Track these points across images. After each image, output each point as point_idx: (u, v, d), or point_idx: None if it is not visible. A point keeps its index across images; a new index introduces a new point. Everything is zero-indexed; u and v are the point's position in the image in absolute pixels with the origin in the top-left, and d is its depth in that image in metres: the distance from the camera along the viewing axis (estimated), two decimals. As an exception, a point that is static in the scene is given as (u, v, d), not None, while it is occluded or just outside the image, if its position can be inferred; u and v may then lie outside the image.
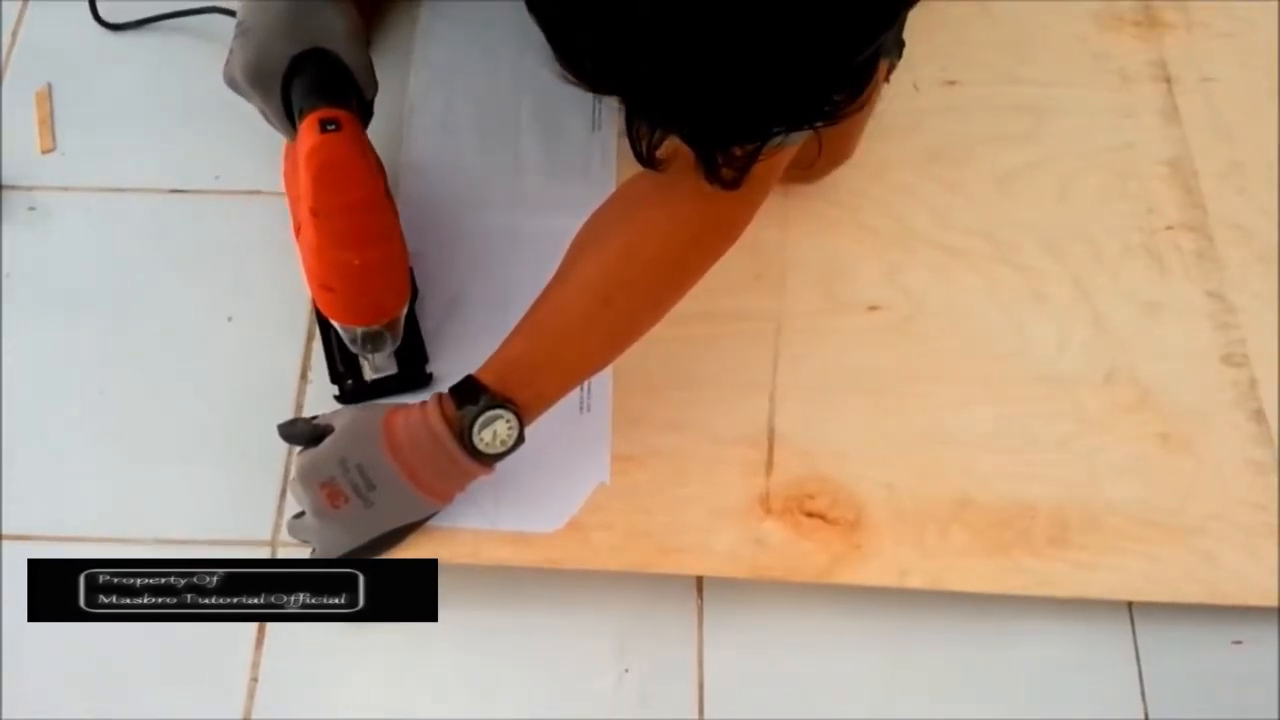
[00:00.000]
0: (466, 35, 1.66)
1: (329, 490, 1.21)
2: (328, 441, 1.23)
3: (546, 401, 1.25)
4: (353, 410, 1.26)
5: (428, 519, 1.28)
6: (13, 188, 1.55)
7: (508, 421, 1.19)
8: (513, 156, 1.57)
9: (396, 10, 1.70)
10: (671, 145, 1.03)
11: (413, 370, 1.40)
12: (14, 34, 1.67)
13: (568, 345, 1.23)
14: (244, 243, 1.51)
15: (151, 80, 1.64)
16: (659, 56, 0.82)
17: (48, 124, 1.59)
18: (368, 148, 1.23)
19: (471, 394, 1.19)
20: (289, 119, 1.25)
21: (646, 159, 1.02)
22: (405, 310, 1.33)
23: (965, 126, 1.63)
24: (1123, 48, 1.71)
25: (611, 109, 1.60)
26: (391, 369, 1.39)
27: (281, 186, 1.43)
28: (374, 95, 1.30)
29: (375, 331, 1.30)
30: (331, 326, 1.36)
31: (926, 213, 1.56)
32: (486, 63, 1.64)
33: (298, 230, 1.33)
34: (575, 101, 1.60)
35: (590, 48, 0.86)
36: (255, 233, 1.49)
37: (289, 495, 1.30)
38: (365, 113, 1.28)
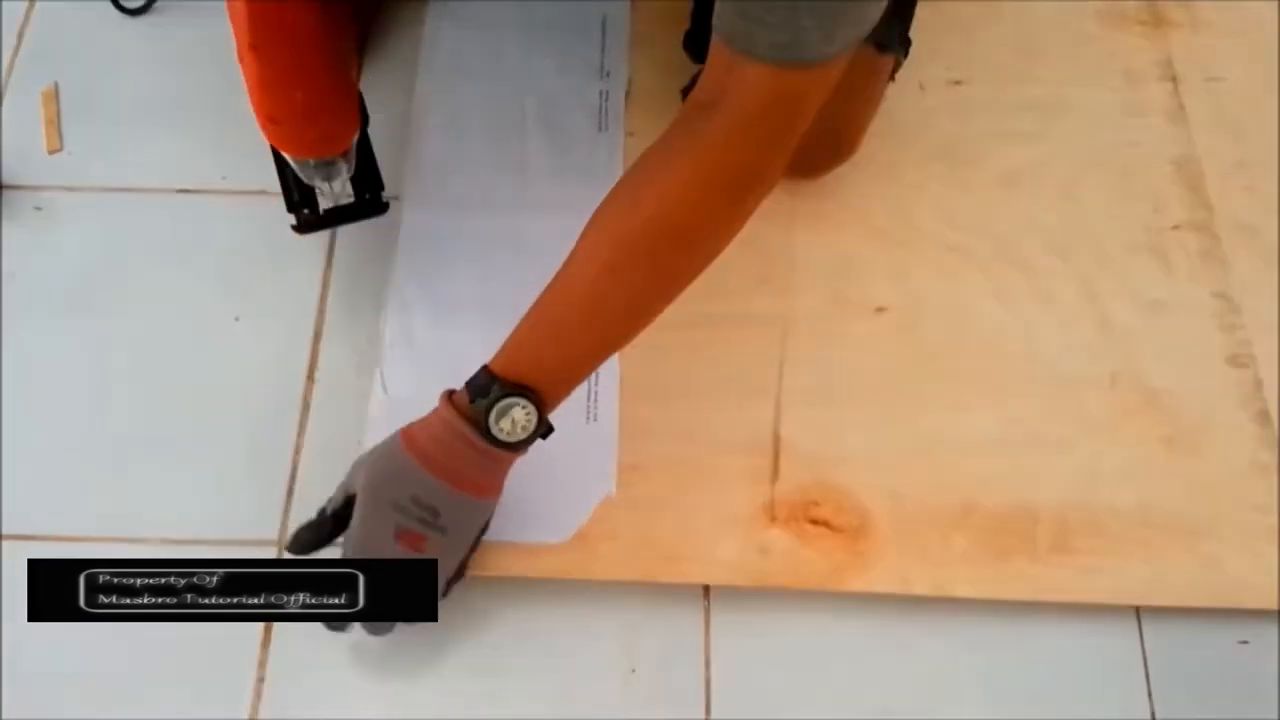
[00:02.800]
0: (472, 38, 1.67)
1: (405, 538, 1.20)
2: (365, 502, 1.21)
3: (562, 382, 1.20)
4: (363, 465, 1.23)
5: (490, 517, 1.27)
6: (19, 187, 1.56)
7: (524, 408, 1.17)
8: (519, 158, 1.58)
9: (403, 12, 1.71)
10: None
11: (369, 196, 1.39)
12: (20, 33, 1.68)
13: (574, 321, 1.18)
14: (251, 243, 1.52)
15: (158, 80, 1.65)
16: None
17: (54, 124, 1.60)
18: None
19: (483, 387, 1.16)
20: None
21: None
22: (356, 139, 1.30)
23: (972, 126, 1.63)
24: (1128, 47, 1.71)
25: (618, 109, 1.61)
26: (348, 197, 1.37)
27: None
28: None
29: (327, 162, 1.28)
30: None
31: (933, 212, 1.56)
32: (493, 63, 1.65)
33: (241, 57, 1.30)
34: (581, 102, 1.61)
35: None
36: (262, 233, 1.49)
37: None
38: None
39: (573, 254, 1.18)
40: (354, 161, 1.33)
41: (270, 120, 1.21)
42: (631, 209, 1.14)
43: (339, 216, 1.38)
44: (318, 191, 1.37)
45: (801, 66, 1.04)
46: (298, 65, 1.18)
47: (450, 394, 1.20)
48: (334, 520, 1.24)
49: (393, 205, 1.44)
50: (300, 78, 1.18)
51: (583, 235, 1.17)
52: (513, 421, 1.17)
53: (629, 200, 1.15)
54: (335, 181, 1.33)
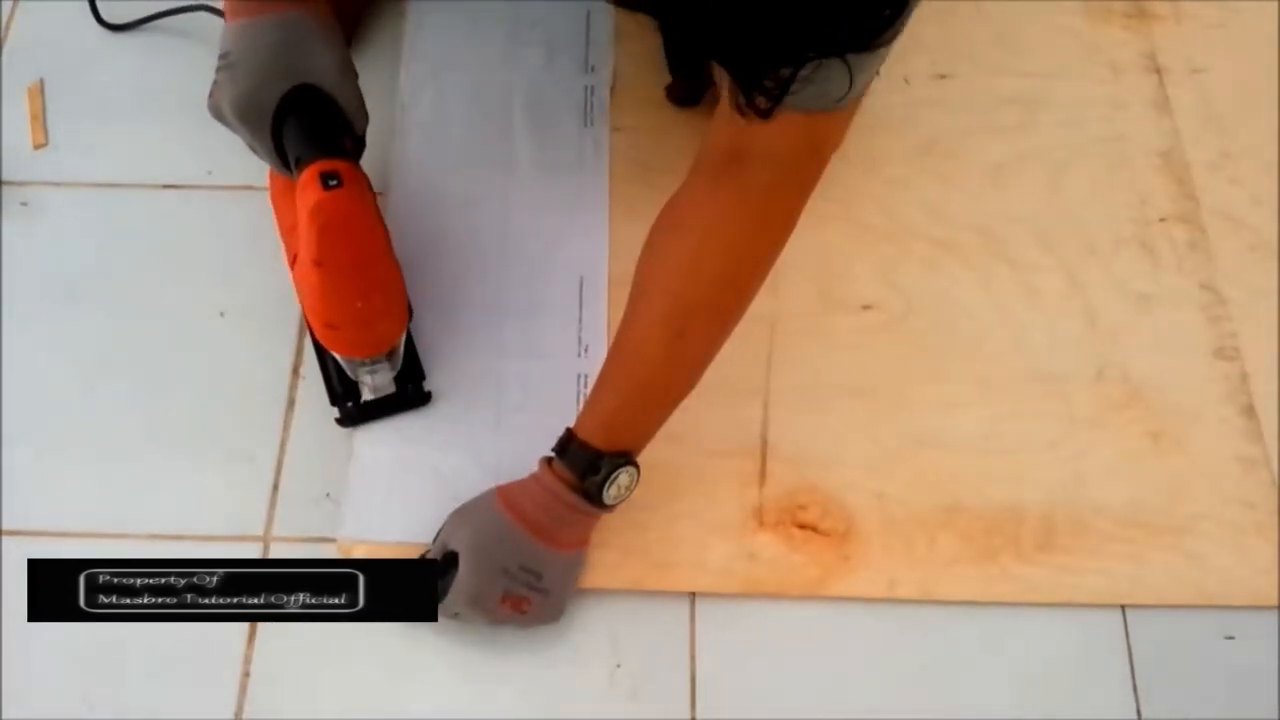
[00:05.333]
0: (457, 30, 1.66)
1: (510, 601, 1.24)
2: (468, 564, 1.24)
3: (651, 436, 1.27)
4: (463, 524, 1.27)
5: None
6: (5, 183, 1.55)
7: (629, 473, 1.24)
8: (505, 153, 1.58)
9: (387, 6, 1.70)
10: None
11: (411, 388, 1.41)
12: (6, 29, 1.67)
13: (655, 385, 1.25)
14: (236, 237, 1.51)
15: (144, 75, 1.64)
16: None
17: (40, 119, 1.59)
18: (369, 196, 1.23)
19: (592, 464, 1.22)
20: (278, 154, 1.24)
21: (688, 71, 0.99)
22: (405, 335, 1.35)
23: (957, 119, 1.63)
24: (1113, 39, 1.72)
25: (603, 105, 1.61)
26: (390, 389, 1.40)
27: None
28: (365, 128, 1.29)
29: (376, 359, 1.32)
30: (325, 351, 1.39)
31: (920, 207, 1.57)
32: (477, 58, 1.64)
33: (293, 261, 1.34)
34: (566, 97, 1.61)
35: None
36: (247, 227, 1.48)
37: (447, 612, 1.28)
38: (358, 146, 1.28)
39: (636, 314, 1.23)
40: (401, 356, 1.37)
41: (328, 327, 1.27)
42: (692, 273, 1.20)
43: (383, 408, 1.41)
44: (360, 384, 1.39)
45: (828, 111, 1.09)
46: (361, 278, 1.24)
47: (550, 463, 1.26)
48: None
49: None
50: (363, 288, 1.24)
51: (642, 293, 1.23)
52: (619, 487, 1.24)
53: (687, 263, 1.20)
54: (380, 376, 1.36)
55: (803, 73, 0.92)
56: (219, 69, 1.22)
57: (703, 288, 1.20)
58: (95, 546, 1.33)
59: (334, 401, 1.41)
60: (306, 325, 1.42)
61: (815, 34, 0.87)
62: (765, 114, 0.98)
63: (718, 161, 1.17)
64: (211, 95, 1.24)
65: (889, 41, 0.92)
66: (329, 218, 1.16)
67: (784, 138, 1.09)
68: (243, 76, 1.20)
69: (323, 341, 1.31)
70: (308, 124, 1.22)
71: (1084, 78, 1.68)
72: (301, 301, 1.32)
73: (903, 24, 0.95)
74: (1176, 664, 1.32)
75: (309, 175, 1.17)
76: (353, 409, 1.40)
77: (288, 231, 1.36)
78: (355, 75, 1.27)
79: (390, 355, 1.33)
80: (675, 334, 1.20)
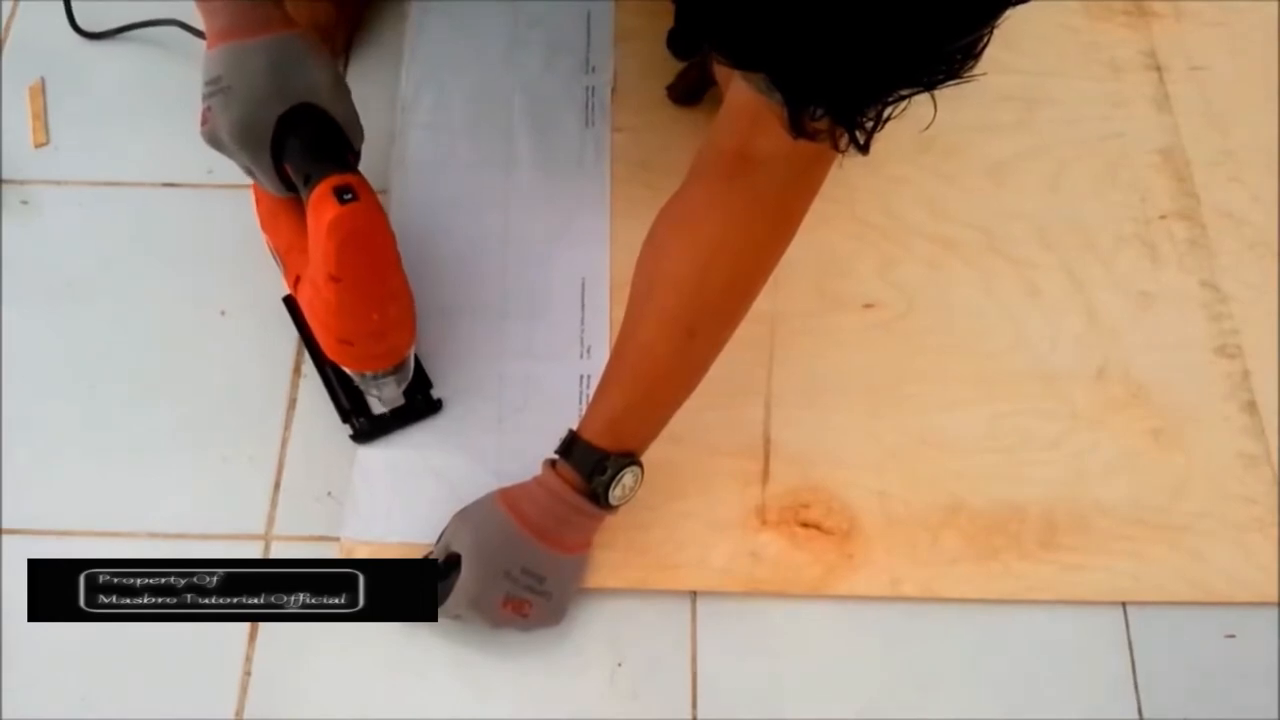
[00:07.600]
0: (458, 32, 1.66)
1: (512, 605, 1.24)
2: (470, 566, 1.23)
3: (656, 436, 1.28)
4: (466, 528, 1.26)
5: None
6: (6, 182, 1.55)
7: (633, 474, 1.24)
8: (505, 153, 1.58)
9: (387, 8, 1.70)
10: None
11: (420, 398, 1.41)
12: (6, 29, 1.67)
13: (663, 384, 1.25)
14: (237, 237, 1.50)
15: (144, 75, 1.64)
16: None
17: (41, 118, 1.59)
18: (381, 207, 1.22)
19: (598, 464, 1.22)
20: (279, 175, 1.24)
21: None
22: (414, 346, 1.34)
23: (957, 116, 1.62)
24: (1112, 37, 1.72)
25: (604, 105, 1.61)
26: (400, 401, 1.39)
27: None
28: (361, 143, 1.29)
29: (388, 372, 1.32)
30: (328, 367, 1.39)
31: (920, 205, 1.57)
32: (478, 59, 1.64)
33: (294, 282, 1.34)
34: (567, 98, 1.61)
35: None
36: (248, 226, 1.47)
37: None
38: (355, 161, 1.28)
39: (642, 315, 1.23)
40: (412, 367, 1.36)
41: (342, 342, 1.27)
42: (705, 274, 1.20)
43: (396, 420, 1.41)
44: (368, 397, 1.40)
45: None
46: (377, 291, 1.24)
47: (554, 465, 1.26)
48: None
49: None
50: (379, 300, 1.24)
51: (648, 294, 1.23)
52: (624, 488, 1.24)
53: (700, 265, 1.20)
54: (390, 389, 1.36)
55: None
56: (209, 94, 1.21)
57: (715, 289, 1.20)
58: (95, 546, 1.33)
59: (344, 419, 1.41)
60: (306, 344, 1.44)
61: (914, 73, 0.87)
62: (864, 148, 0.98)
63: (725, 163, 1.17)
64: (205, 122, 1.23)
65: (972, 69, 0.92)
66: (348, 232, 1.16)
67: (796, 140, 1.09)
68: (238, 100, 1.19)
69: (335, 359, 1.31)
70: (311, 142, 1.22)
71: (1084, 75, 1.69)
72: (311, 320, 1.31)
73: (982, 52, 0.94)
74: (1178, 661, 1.32)
75: (323, 191, 1.16)
76: (364, 424, 1.40)
77: (285, 252, 1.36)
78: (348, 91, 1.27)
79: (400, 367, 1.33)
80: (686, 334, 1.21)
